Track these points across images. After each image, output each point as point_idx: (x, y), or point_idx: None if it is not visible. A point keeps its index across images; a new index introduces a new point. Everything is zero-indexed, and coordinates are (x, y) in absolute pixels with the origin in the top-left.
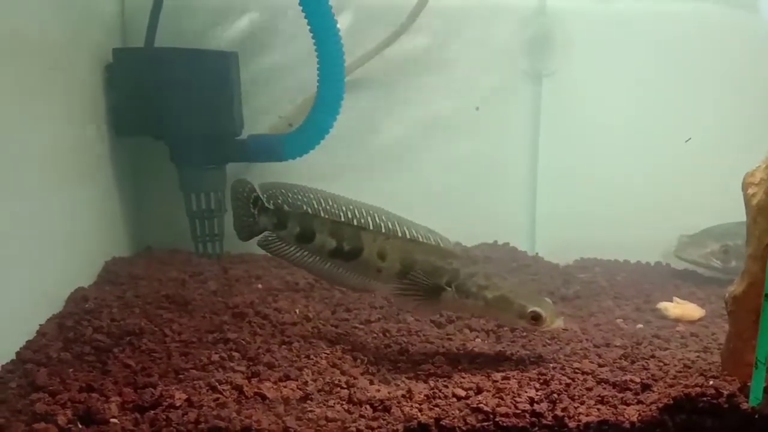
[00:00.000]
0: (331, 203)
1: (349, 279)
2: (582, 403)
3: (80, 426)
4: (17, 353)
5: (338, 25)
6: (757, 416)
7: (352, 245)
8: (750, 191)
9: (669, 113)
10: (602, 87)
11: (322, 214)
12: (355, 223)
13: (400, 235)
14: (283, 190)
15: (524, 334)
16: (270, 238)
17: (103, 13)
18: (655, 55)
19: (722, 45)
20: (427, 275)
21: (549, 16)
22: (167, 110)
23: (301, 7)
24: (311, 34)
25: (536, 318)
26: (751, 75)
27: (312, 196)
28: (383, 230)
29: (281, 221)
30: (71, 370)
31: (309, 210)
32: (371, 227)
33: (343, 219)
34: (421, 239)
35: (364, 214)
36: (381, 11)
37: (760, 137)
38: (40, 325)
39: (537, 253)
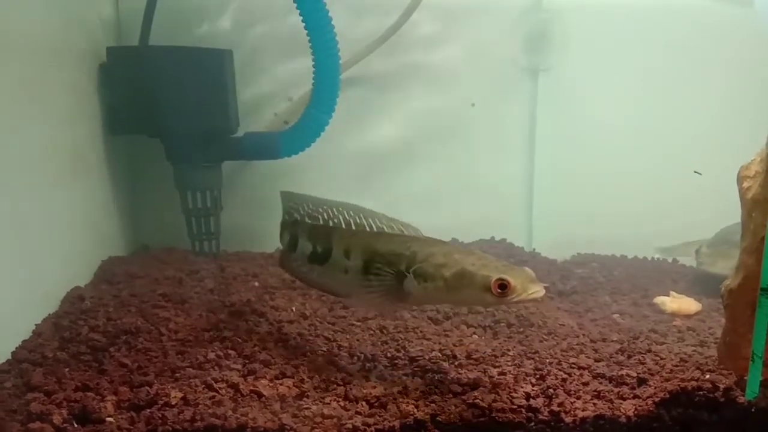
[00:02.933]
0: (310, 206)
1: (330, 284)
2: (578, 398)
3: (76, 425)
4: (13, 353)
5: (333, 22)
6: (753, 410)
7: (324, 247)
8: (745, 184)
9: (666, 109)
10: (599, 82)
11: (306, 219)
12: (324, 222)
13: (364, 228)
14: (285, 201)
15: (521, 330)
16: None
17: (97, 12)
18: (653, 50)
19: (720, 40)
20: (387, 266)
21: (546, 11)
22: (162, 108)
23: (295, 4)
24: (306, 31)
25: (503, 287)
26: (749, 71)
27: (298, 201)
28: (348, 226)
29: (282, 234)
30: (67, 369)
31: (297, 216)
32: (338, 225)
33: (320, 221)
34: (385, 229)
35: (335, 212)
36: (376, 7)
37: (758, 132)
38: (35, 324)
39: (534, 249)
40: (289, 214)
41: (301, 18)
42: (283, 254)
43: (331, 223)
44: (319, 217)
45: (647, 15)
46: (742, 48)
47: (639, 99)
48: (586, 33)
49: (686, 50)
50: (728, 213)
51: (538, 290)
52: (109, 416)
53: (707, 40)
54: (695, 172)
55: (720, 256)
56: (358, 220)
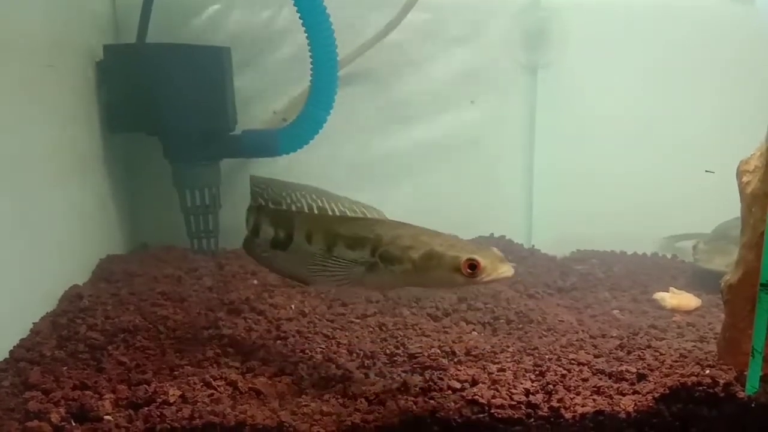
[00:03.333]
0: (274, 190)
1: (292, 270)
2: (578, 394)
3: (74, 424)
4: (10, 351)
5: (330, 18)
6: (753, 405)
7: (286, 232)
8: (744, 179)
9: (666, 106)
10: (599, 80)
11: (270, 204)
12: (287, 207)
13: (326, 212)
14: (252, 186)
15: (520, 326)
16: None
17: (94, 10)
18: (652, 47)
19: (720, 38)
20: (350, 249)
21: (545, 8)
22: (160, 106)
23: (293, 1)
24: (304, 28)
25: (473, 267)
26: (749, 68)
27: (263, 186)
28: (311, 210)
29: (248, 219)
30: (65, 368)
31: (261, 201)
32: (299, 209)
33: (283, 205)
34: (348, 213)
35: (297, 197)
36: (374, 3)
37: (757, 129)
38: (33, 323)
39: (533, 246)
40: (254, 200)
41: (299, 14)
42: (246, 240)
43: (293, 207)
44: (282, 201)
45: (646, 12)
46: (742, 45)
47: (638, 96)
48: (585, 30)
49: (685, 47)
50: (728, 210)
51: (507, 270)
52: (107, 414)
53: (707, 38)
54: (707, 171)
55: (717, 253)
56: (320, 204)
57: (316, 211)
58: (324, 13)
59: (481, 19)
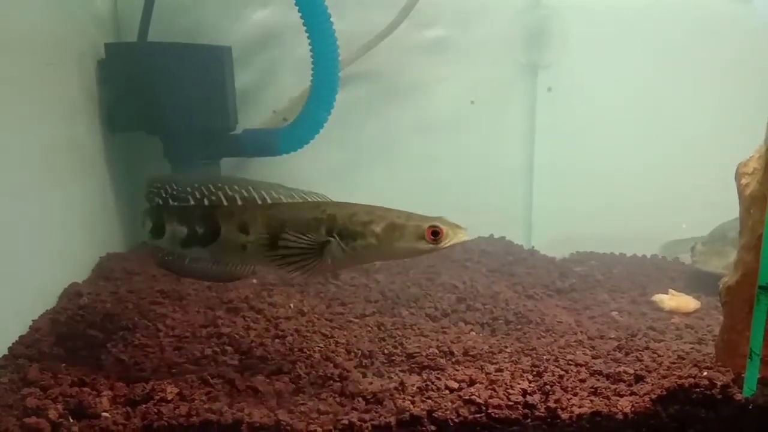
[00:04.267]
0: (175, 187)
1: (214, 267)
2: (575, 395)
3: (71, 420)
4: (9, 348)
5: (332, 19)
6: (750, 407)
7: (206, 227)
8: (743, 181)
9: (666, 106)
10: (599, 80)
11: (172, 202)
12: (205, 201)
13: (259, 201)
14: (148, 186)
15: (519, 327)
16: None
17: (96, 9)
18: (653, 47)
19: (719, 37)
20: (301, 232)
21: (546, 8)
22: (160, 105)
23: (294, 1)
24: (305, 28)
25: (436, 234)
26: (750, 68)
27: (160, 184)
28: (237, 201)
29: (144, 222)
30: (63, 365)
31: (159, 201)
32: (228, 200)
33: (191, 201)
34: (283, 200)
35: (214, 189)
36: (375, 4)
37: (757, 130)
38: (33, 320)
39: (533, 247)
40: (150, 200)
41: (300, 14)
42: (151, 243)
43: (207, 201)
44: (189, 197)
45: (646, 11)
46: (741, 44)
47: (638, 96)
48: (586, 30)
49: (685, 47)
50: (728, 210)
51: (464, 235)
52: (105, 411)
53: (706, 37)
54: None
55: (714, 254)
56: (245, 194)
57: (240, 202)
58: (325, 13)
59: (482, 19)
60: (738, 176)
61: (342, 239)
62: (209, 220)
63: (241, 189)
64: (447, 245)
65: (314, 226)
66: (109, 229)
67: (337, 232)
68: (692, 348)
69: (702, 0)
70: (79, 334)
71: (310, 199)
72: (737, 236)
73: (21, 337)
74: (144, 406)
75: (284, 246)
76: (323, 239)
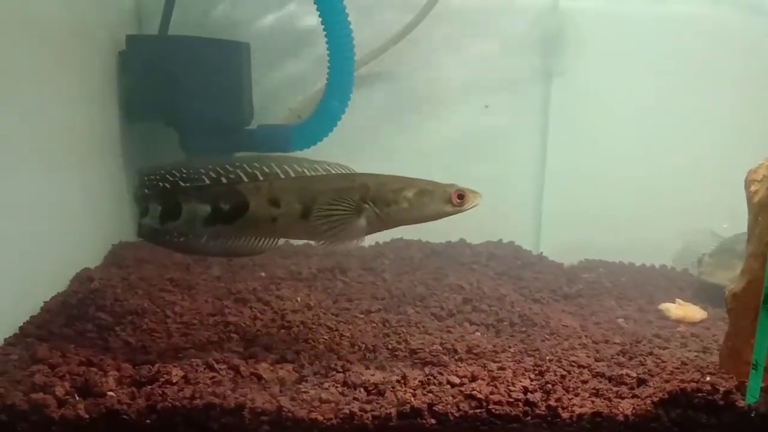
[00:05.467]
0: (184, 171)
1: (237, 243)
2: (576, 395)
3: (77, 398)
4: (20, 328)
5: (349, 18)
6: (753, 414)
7: (232, 202)
8: (752, 188)
9: (678, 115)
10: (613, 87)
11: (183, 183)
12: (229, 178)
13: (284, 175)
14: (145, 176)
15: (523, 329)
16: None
17: (118, 1)
18: (666, 57)
19: (733, 47)
20: (335, 202)
21: (561, 14)
22: (178, 98)
23: None
24: (322, 25)
25: (461, 197)
26: (762, 78)
27: (164, 172)
28: (262, 176)
29: (143, 208)
30: (72, 345)
31: (167, 184)
32: (249, 176)
33: (209, 181)
34: (308, 173)
35: (232, 168)
36: (392, 6)
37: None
38: (44, 302)
39: (541, 253)
40: (150, 186)
41: (317, 10)
42: (148, 227)
43: (225, 180)
44: (204, 178)
45: (662, 21)
46: (754, 56)
47: (652, 105)
48: (601, 38)
49: (699, 57)
50: (738, 221)
51: (480, 198)
52: (111, 390)
53: (720, 48)
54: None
55: (720, 267)
56: (266, 170)
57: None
58: (343, 11)
59: (498, 24)
60: (747, 183)
61: (376, 205)
62: (235, 196)
63: (262, 166)
64: (469, 207)
65: (349, 195)
66: (123, 217)
67: (371, 199)
68: (696, 356)
69: (717, 11)
70: (88, 317)
71: (334, 171)
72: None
73: (32, 317)
74: (149, 387)
75: (319, 215)
76: (358, 206)
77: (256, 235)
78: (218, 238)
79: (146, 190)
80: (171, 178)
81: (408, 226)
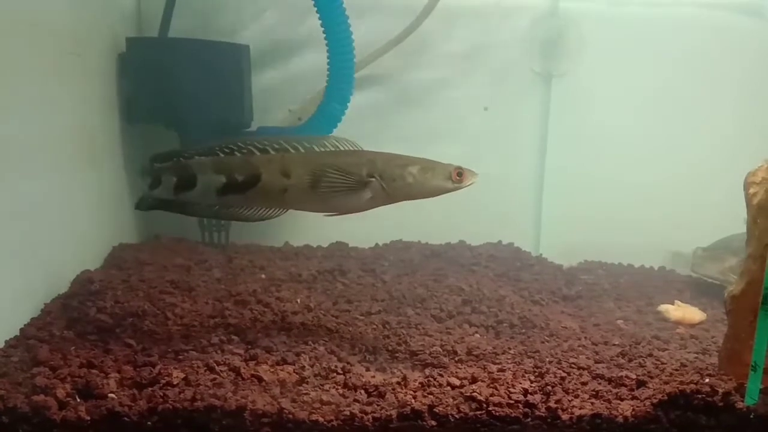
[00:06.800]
0: (202, 149)
1: (246, 211)
2: (576, 397)
3: (78, 400)
4: (21, 330)
5: (349, 20)
6: (752, 416)
7: (245, 173)
8: (751, 191)
9: (678, 118)
10: (612, 90)
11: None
12: (243, 151)
13: (293, 150)
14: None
15: (523, 330)
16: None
17: (119, 3)
18: (666, 59)
19: (733, 50)
20: (344, 175)
21: (561, 17)
22: (178, 100)
23: (312, 0)
24: (322, 28)
25: (460, 174)
26: (761, 80)
27: (177, 153)
28: (272, 150)
29: (156, 179)
30: (73, 347)
31: (182, 159)
32: (260, 151)
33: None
34: (316, 148)
35: (243, 145)
36: (393, 7)
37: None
38: (45, 303)
39: (541, 254)
40: (164, 158)
41: (317, 12)
42: (152, 199)
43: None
44: (218, 152)
45: (661, 24)
46: (754, 58)
47: (651, 107)
48: (601, 40)
49: (699, 60)
50: (738, 223)
51: (476, 176)
52: (112, 393)
53: (720, 50)
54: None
55: (711, 259)
56: (276, 146)
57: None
58: (342, 11)
59: (497, 26)
60: (746, 185)
61: (383, 179)
62: (248, 167)
63: (272, 143)
64: (468, 185)
65: (357, 169)
66: (123, 220)
67: (378, 173)
68: (696, 357)
69: (717, 14)
70: (89, 319)
71: (342, 146)
72: (740, 245)
73: (33, 319)
74: (150, 389)
75: (328, 185)
76: (366, 179)
77: (266, 205)
78: (230, 207)
79: (160, 164)
80: (186, 155)
81: (408, 227)
